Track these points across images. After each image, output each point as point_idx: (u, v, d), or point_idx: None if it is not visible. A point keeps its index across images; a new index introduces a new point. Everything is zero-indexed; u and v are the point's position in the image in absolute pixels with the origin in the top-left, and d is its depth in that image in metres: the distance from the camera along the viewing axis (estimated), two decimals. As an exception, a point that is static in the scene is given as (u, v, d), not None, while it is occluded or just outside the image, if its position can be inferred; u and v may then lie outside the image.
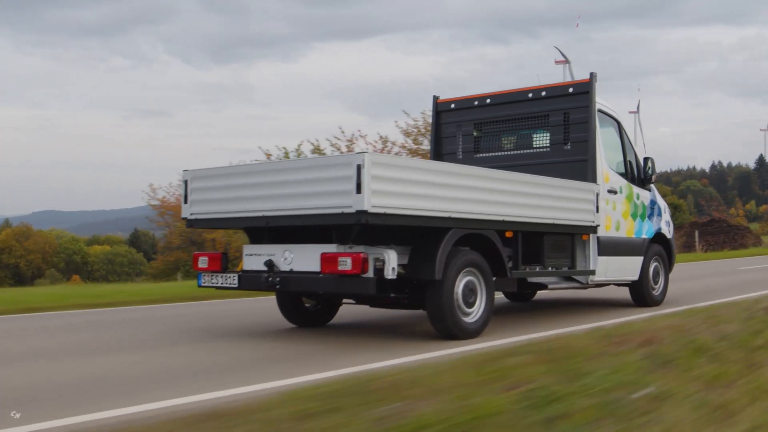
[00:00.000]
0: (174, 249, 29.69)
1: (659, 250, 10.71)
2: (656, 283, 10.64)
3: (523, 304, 11.34)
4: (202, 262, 7.80)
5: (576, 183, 8.96)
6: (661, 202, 10.98)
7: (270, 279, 7.19)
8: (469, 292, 7.46)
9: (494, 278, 7.91)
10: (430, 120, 24.13)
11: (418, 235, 7.29)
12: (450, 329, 7.27)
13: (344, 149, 23.73)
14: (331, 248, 6.89)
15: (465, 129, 10.53)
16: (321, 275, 6.84)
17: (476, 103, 10.38)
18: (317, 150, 23.93)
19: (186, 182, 7.90)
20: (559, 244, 8.87)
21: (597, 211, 9.21)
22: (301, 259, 7.20)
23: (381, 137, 24.33)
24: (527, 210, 8.10)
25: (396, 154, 23.73)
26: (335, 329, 8.43)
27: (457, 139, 10.61)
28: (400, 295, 7.40)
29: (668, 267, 10.97)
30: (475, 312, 7.55)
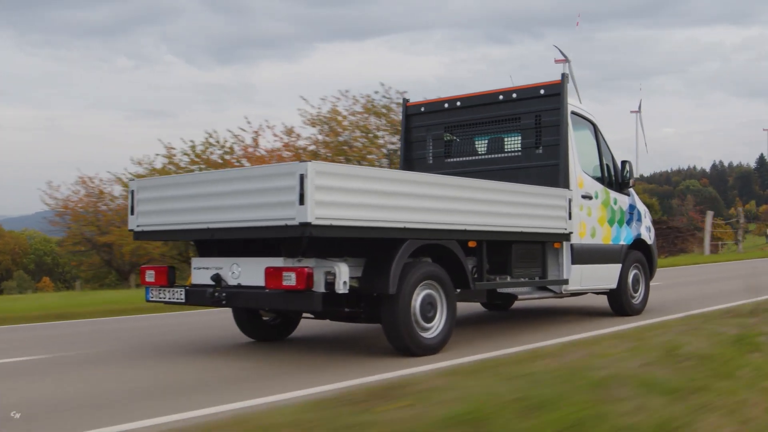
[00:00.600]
0: (76, 253, 27.51)
1: (639, 257, 10.32)
2: (636, 291, 10.24)
3: (500, 313, 10.95)
4: (149, 276, 7.43)
5: (546, 189, 8.58)
6: (641, 207, 10.59)
7: (216, 294, 6.82)
8: (428, 306, 7.08)
9: (458, 290, 7.56)
10: (333, 107, 23.13)
11: (372, 246, 6.92)
12: (407, 346, 6.90)
13: (249, 141, 22.57)
14: (277, 262, 6.52)
15: (435, 133, 10.16)
16: (266, 291, 6.47)
17: (446, 105, 10.01)
18: (209, 140, 22.45)
19: (132, 192, 7.53)
20: (528, 252, 8.48)
21: (570, 218, 8.83)
22: (249, 273, 6.83)
23: (286, 128, 22.79)
24: (491, 218, 7.71)
25: (305, 148, 22.34)
26: (293, 344, 8.06)
27: (427, 143, 10.23)
28: (355, 309, 7.05)
29: (649, 274, 10.58)
30: (435, 327, 7.17)
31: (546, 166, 9.09)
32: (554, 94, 9.09)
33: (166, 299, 7.27)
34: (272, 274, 6.36)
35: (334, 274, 6.47)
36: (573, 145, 9.15)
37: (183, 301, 7.12)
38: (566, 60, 56.63)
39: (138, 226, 7.48)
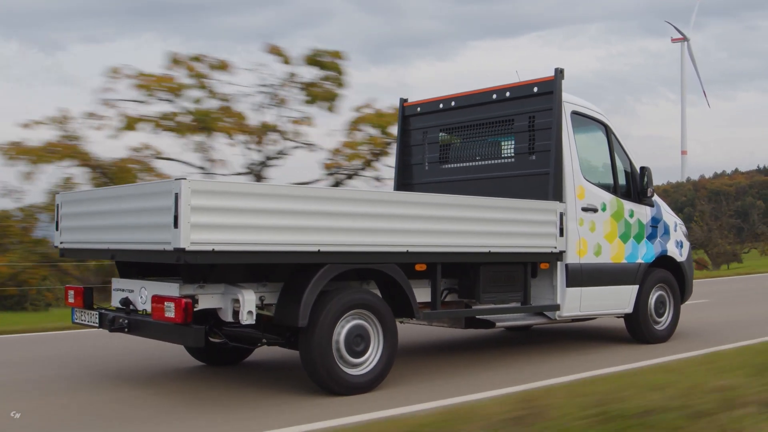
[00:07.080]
0: None
1: (665, 277, 8.97)
2: (660, 315, 8.92)
3: (514, 335, 9.88)
4: (71, 296, 6.94)
5: (526, 202, 7.49)
6: (670, 219, 9.21)
7: (121, 321, 6.24)
8: (357, 339, 6.22)
9: (413, 318, 6.69)
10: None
11: (292, 270, 6.15)
12: (325, 383, 6.08)
13: None
14: (170, 289, 5.84)
15: (431, 136, 9.21)
16: (153, 322, 5.83)
17: (441, 105, 9.04)
18: None
19: (58, 206, 7.07)
20: (504, 275, 7.42)
21: (561, 235, 7.70)
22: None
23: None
24: (444, 238, 6.74)
25: None
26: (244, 370, 7.38)
27: (424, 147, 9.29)
28: (275, 339, 6.33)
29: (680, 296, 9.21)
30: (368, 362, 6.30)
31: (538, 175, 7.99)
32: (547, 92, 7.97)
33: (85, 322, 6.76)
34: (157, 303, 5.71)
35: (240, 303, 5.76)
36: (572, 150, 8.00)
37: (97, 325, 6.58)
38: (684, 39, 52.82)
39: (61, 243, 7.01)
